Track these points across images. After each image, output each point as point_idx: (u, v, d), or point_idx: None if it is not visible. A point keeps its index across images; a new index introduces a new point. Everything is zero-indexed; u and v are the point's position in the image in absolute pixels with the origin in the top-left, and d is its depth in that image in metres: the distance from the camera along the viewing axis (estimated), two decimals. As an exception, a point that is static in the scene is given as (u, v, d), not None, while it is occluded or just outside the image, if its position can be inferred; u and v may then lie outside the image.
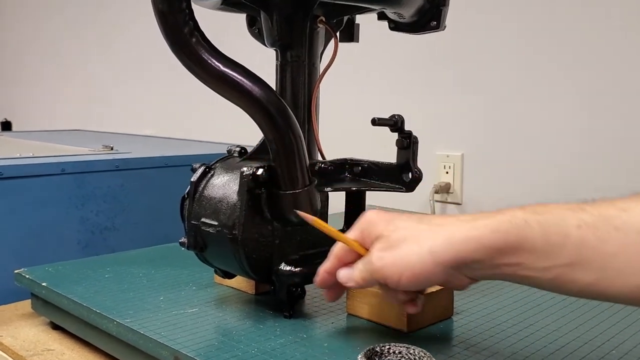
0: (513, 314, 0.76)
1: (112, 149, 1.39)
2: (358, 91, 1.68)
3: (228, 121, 1.91)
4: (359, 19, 0.87)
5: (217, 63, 0.66)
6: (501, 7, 1.41)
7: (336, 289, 0.67)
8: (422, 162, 0.79)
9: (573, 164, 1.31)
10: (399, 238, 0.59)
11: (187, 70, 0.67)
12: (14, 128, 3.27)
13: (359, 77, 1.66)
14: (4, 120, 3.11)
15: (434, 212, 1.46)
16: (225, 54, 0.68)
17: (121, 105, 2.65)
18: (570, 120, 1.31)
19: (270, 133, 0.68)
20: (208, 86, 0.67)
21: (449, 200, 1.50)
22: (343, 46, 0.80)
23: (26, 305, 0.93)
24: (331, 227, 0.66)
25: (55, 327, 0.88)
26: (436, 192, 1.47)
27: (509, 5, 1.40)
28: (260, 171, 0.69)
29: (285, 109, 0.68)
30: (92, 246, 1.17)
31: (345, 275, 0.63)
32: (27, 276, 0.89)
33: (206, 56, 0.66)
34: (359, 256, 0.63)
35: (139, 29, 2.42)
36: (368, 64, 1.64)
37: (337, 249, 0.65)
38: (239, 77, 0.66)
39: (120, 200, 1.21)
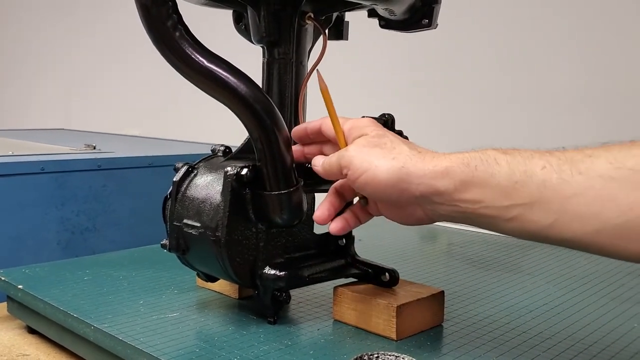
0: (505, 320, 0.74)
1: (94, 148, 1.36)
2: (345, 90, 1.65)
3: (214, 120, 1.89)
4: (348, 16, 0.84)
5: (201, 58, 0.63)
6: (489, 8, 1.39)
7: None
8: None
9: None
10: (380, 143, 0.60)
11: (171, 67, 0.65)
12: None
13: (346, 76, 1.63)
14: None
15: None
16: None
17: (105, 104, 2.62)
18: (558, 123, 1.30)
19: (256, 132, 0.65)
20: (192, 82, 0.65)
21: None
22: (331, 44, 0.78)
23: (1, 308, 0.90)
24: (333, 107, 0.66)
25: (31, 331, 0.85)
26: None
27: (497, 7, 1.38)
28: (244, 171, 0.67)
29: (271, 107, 0.66)
30: (72, 247, 1.14)
31: (317, 158, 0.66)
32: (3, 278, 0.86)
33: (190, 51, 0.63)
34: (324, 139, 0.67)
35: (121, 25, 2.39)
36: (357, 63, 1.62)
37: (325, 121, 0.66)
38: (224, 73, 0.64)
39: (102, 201, 1.19)
